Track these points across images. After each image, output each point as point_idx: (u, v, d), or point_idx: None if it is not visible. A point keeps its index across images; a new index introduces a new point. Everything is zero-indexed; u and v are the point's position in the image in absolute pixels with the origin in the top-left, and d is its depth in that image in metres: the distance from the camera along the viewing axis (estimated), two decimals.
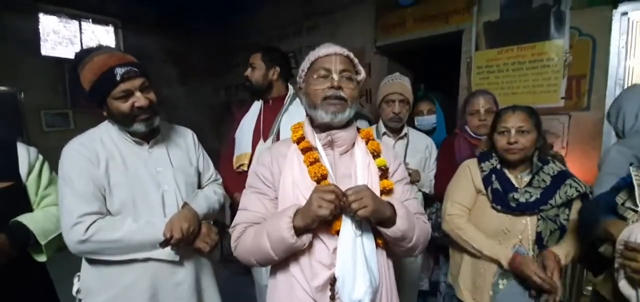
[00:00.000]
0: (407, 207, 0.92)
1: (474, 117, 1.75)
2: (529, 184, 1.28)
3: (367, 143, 0.99)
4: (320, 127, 0.94)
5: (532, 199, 1.23)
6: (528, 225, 1.25)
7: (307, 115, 0.99)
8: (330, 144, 0.94)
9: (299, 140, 0.96)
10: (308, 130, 0.96)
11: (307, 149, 0.93)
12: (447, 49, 2.95)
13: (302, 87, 0.97)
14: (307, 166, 0.90)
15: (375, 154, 0.97)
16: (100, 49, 1.12)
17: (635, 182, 0.97)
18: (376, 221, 0.85)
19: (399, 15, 3.03)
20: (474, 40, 2.62)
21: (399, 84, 1.79)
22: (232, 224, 0.96)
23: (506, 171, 1.34)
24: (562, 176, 1.27)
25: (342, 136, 0.93)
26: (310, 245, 0.85)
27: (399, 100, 1.75)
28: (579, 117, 2.23)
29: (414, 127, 2.11)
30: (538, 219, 1.24)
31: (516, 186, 1.29)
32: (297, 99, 1.64)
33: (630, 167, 1.02)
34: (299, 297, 0.86)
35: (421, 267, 2.01)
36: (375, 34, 3.22)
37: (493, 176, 1.31)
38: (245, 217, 0.94)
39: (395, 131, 1.84)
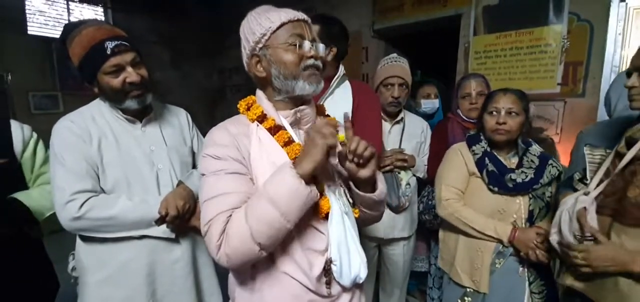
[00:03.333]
0: None
1: (465, 101, 1.75)
2: (520, 164, 1.31)
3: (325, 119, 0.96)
4: (288, 103, 0.85)
5: (528, 178, 1.27)
6: (521, 204, 1.30)
7: (262, 89, 0.87)
8: (297, 122, 0.86)
9: (260, 119, 0.83)
10: (268, 107, 0.84)
11: (276, 128, 0.82)
12: (444, 34, 2.93)
13: (261, 57, 0.81)
14: (283, 147, 0.81)
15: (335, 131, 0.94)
16: (88, 22, 1.08)
17: (587, 159, 1.11)
18: (365, 185, 0.83)
19: None
20: (473, 24, 2.60)
21: (398, 66, 1.75)
22: (206, 220, 0.72)
23: (496, 153, 1.36)
24: (546, 157, 1.33)
25: (308, 113, 0.87)
26: (302, 234, 0.79)
27: (398, 84, 1.71)
28: (574, 104, 2.25)
29: (416, 110, 2.12)
30: (530, 198, 1.29)
31: (508, 167, 1.32)
32: (346, 82, 1.38)
33: (585, 148, 1.14)
34: (294, 293, 0.79)
35: (418, 250, 2.04)
36: (373, 17, 3.18)
37: (486, 158, 1.34)
38: (226, 203, 0.72)
39: (392, 115, 1.82)
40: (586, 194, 1.04)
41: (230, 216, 0.71)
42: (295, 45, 0.79)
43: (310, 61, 0.81)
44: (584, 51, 2.18)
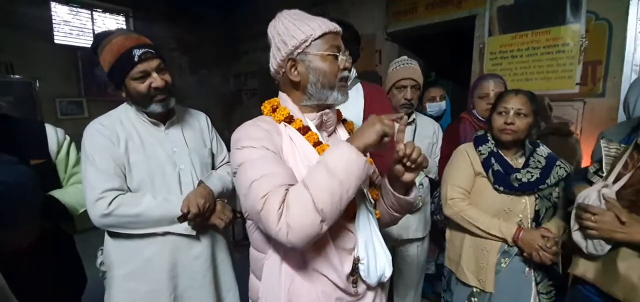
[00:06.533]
0: None
1: (482, 101, 1.73)
2: (526, 165, 1.31)
3: (343, 123, 0.98)
4: (313, 107, 0.86)
5: (533, 178, 1.27)
6: (527, 204, 1.30)
7: (286, 92, 0.88)
8: (321, 125, 0.88)
9: (288, 120, 0.85)
10: (294, 109, 0.86)
11: (305, 129, 0.85)
12: (458, 36, 2.91)
13: (299, 61, 0.82)
14: (313, 147, 0.83)
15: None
16: (117, 31, 1.15)
17: (603, 152, 1.12)
18: (399, 188, 0.85)
19: (411, 0, 2.99)
20: (487, 25, 2.58)
21: (411, 69, 1.77)
22: (262, 194, 0.70)
23: (502, 153, 1.36)
24: (553, 158, 1.32)
25: (332, 116, 0.89)
26: (334, 232, 0.80)
27: (410, 86, 1.74)
28: (594, 104, 2.20)
29: (424, 112, 2.11)
30: (536, 198, 1.29)
31: (515, 167, 1.32)
32: (359, 84, 1.39)
33: (601, 140, 1.15)
34: (324, 291, 0.80)
35: (427, 252, 2.03)
36: (386, 20, 3.19)
37: (492, 158, 1.34)
38: (280, 178, 0.72)
39: None
40: (606, 186, 1.05)
41: (288, 189, 0.71)
42: (335, 56, 0.82)
43: (345, 73, 0.84)
44: (603, 50, 2.13)
